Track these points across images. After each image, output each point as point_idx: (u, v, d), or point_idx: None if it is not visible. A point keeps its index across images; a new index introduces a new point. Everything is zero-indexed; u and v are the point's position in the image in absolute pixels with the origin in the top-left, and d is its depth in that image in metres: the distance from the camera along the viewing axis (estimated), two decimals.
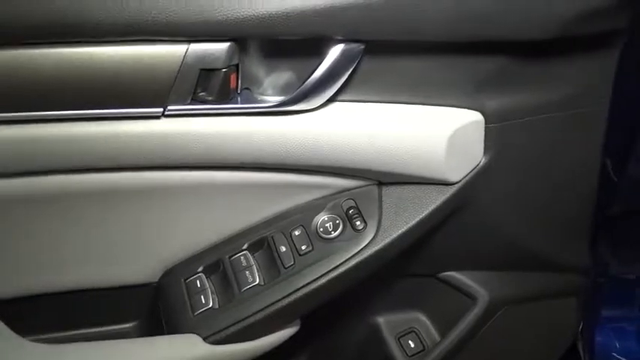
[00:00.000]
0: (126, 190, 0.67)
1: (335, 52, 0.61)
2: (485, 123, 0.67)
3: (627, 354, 0.84)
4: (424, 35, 0.62)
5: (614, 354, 0.84)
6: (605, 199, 0.77)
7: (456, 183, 0.68)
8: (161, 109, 0.61)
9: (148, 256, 0.73)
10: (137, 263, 0.73)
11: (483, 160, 0.69)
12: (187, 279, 0.71)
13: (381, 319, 0.85)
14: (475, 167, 0.69)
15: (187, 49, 0.59)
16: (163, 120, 0.62)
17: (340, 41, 0.61)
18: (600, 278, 0.87)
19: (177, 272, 0.73)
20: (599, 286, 0.87)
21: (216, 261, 0.71)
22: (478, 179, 0.69)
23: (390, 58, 0.64)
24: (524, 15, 0.61)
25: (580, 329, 0.89)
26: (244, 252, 0.71)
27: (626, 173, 0.76)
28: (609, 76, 0.70)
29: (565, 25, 0.61)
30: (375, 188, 0.70)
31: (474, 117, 0.67)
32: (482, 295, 0.79)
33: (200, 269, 0.72)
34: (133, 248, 0.72)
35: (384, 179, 0.69)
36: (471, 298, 0.80)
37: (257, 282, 0.69)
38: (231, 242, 0.72)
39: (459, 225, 0.73)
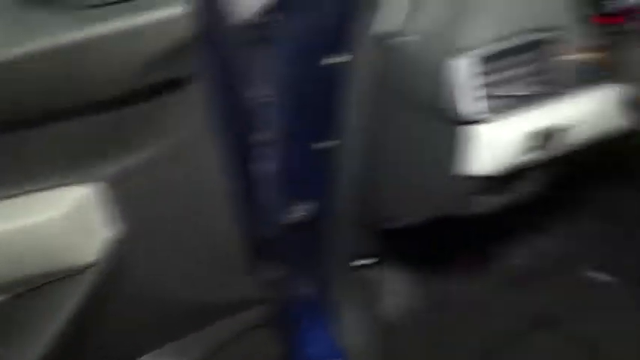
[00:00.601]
0: None
1: None
2: (103, 193, 0.64)
3: None
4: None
5: None
6: (256, 225, 0.80)
7: (97, 264, 0.63)
8: None
9: None
10: None
11: (115, 230, 0.65)
12: None
13: None
14: (112, 241, 0.65)
15: None
16: None
17: None
18: (285, 301, 0.91)
19: None
20: (285, 308, 0.91)
21: None
22: (118, 252, 0.65)
23: None
24: (89, 75, 0.58)
25: (285, 353, 0.92)
26: None
27: (259, 196, 0.79)
28: (199, 114, 0.70)
29: (134, 78, 0.60)
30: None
31: (90, 190, 0.63)
32: None
33: None
34: None
35: (7, 290, 0.60)
36: None
37: None
38: None
39: (124, 304, 0.68)
